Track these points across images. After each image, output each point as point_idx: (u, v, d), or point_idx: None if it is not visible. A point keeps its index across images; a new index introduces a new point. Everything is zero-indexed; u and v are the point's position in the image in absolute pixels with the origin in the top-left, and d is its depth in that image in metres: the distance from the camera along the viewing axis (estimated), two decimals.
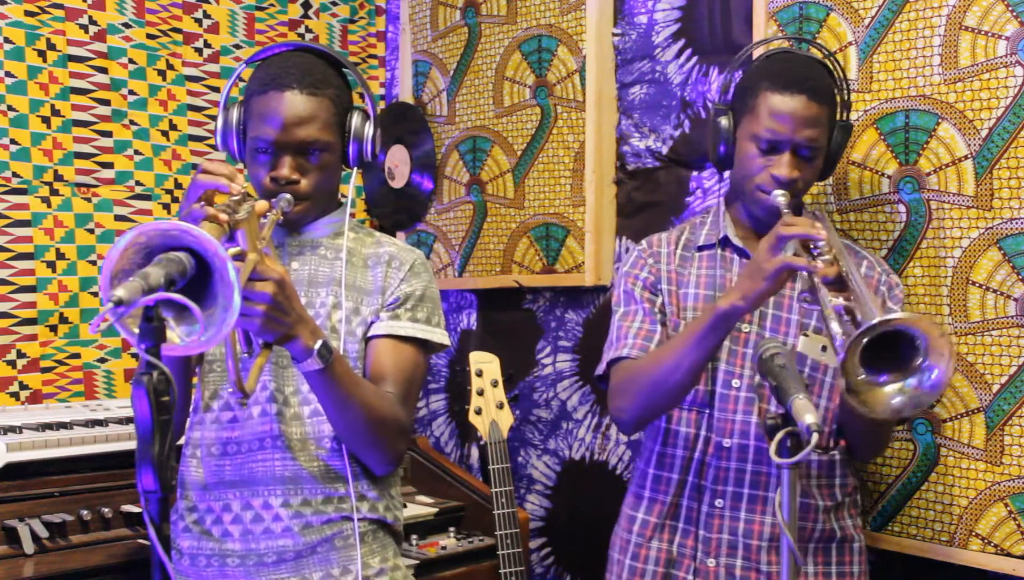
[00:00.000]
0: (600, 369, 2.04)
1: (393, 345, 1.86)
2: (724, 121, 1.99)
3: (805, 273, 1.69)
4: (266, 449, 1.80)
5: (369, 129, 1.87)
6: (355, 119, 1.87)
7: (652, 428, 2.06)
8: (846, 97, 2.06)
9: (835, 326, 1.57)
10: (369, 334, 1.86)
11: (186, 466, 1.86)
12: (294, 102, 1.78)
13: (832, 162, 2.03)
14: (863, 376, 1.48)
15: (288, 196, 1.78)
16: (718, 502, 1.96)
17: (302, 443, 1.81)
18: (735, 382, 1.96)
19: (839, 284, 1.66)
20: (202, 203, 1.51)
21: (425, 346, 1.91)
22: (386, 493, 1.89)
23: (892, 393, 1.49)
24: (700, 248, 2.06)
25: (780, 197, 1.88)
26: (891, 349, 1.49)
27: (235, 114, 1.85)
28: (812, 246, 1.72)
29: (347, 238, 1.89)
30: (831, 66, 2.05)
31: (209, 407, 1.84)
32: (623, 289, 2.07)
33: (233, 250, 1.49)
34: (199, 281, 1.24)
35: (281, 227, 1.88)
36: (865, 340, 1.46)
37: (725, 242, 2.03)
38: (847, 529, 1.99)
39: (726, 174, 2.10)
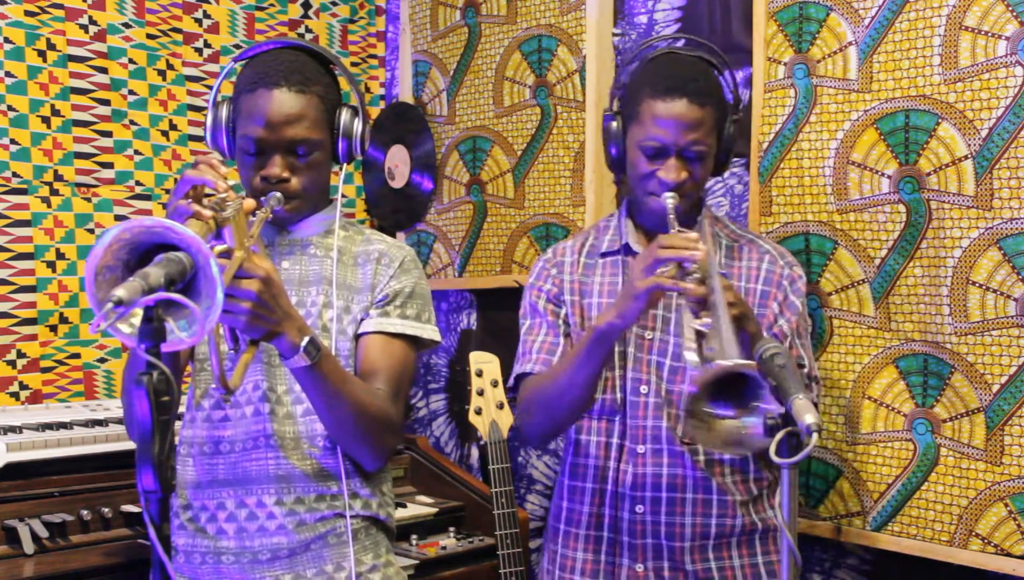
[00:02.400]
0: (510, 383, 2.07)
1: (383, 342, 1.86)
2: (614, 125, 2.00)
3: (675, 292, 1.74)
4: (259, 448, 1.80)
5: (358, 125, 1.87)
6: (344, 116, 1.86)
7: (566, 439, 2.09)
8: (733, 84, 2.05)
9: (690, 351, 1.66)
10: (359, 331, 1.86)
11: (179, 464, 1.86)
12: (283, 100, 1.78)
13: (725, 154, 2.01)
14: (707, 408, 1.52)
15: (278, 194, 1.77)
16: (639, 508, 1.96)
17: (295, 442, 1.81)
18: (643, 388, 1.97)
19: (704, 305, 1.70)
20: (189, 200, 1.50)
21: (416, 342, 1.91)
22: (378, 490, 1.90)
23: (729, 428, 1.51)
24: (603, 254, 2.06)
25: (669, 199, 1.89)
26: (736, 385, 1.51)
27: (224, 112, 1.85)
28: (683, 265, 1.75)
29: (337, 237, 1.88)
30: (714, 61, 2.04)
31: (200, 405, 1.84)
32: (528, 302, 2.09)
33: (219, 248, 1.49)
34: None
35: (271, 226, 1.88)
36: (712, 380, 1.50)
37: (627, 249, 2.03)
38: (768, 521, 2.00)
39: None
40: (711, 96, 1.93)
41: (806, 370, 1.96)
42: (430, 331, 1.92)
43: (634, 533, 1.97)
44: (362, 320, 1.87)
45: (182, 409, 1.93)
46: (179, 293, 1.17)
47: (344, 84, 1.97)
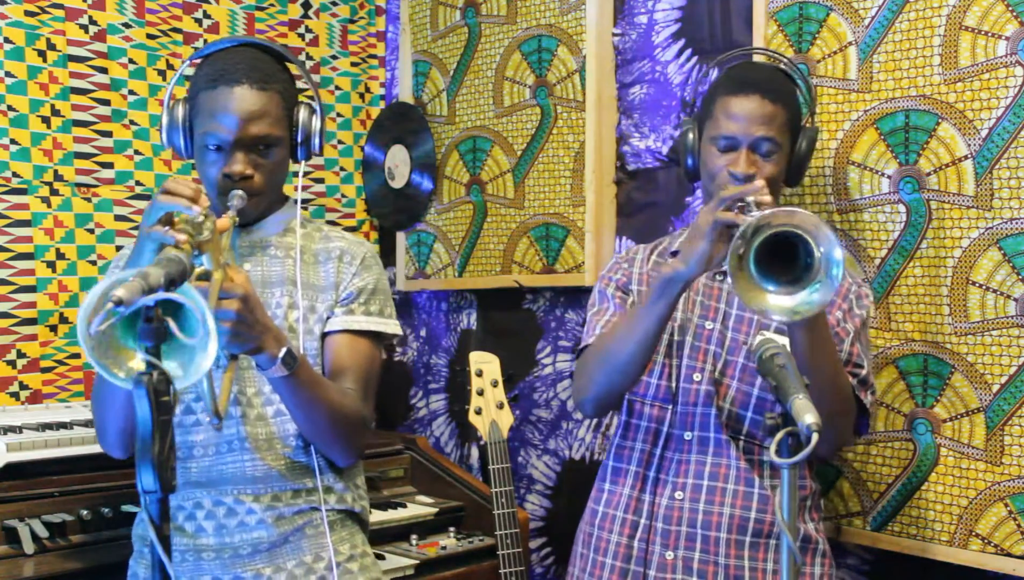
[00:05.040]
0: (574, 366, 2.07)
1: (350, 340, 1.89)
2: (690, 134, 2.06)
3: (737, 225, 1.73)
4: (234, 451, 1.82)
5: (316, 123, 1.88)
6: (302, 113, 1.87)
7: (617, 422, 2.10)
8: (811, 102, 2.12)
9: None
10: (325, 330, 1.89)
11: None
12: (245, 97, 1.78)
13: (799, 167, 2.05)
14: (753, 272, 1.57)
15: (241, 193, 1.78)
16: (678, 494, 1.98)
17: (268, 443, 1.83)
18: (696, 376, 1.99)
19: None
20: (167, 227, 1.49)
21: (380, 337, 1.94)
22: (351, 483, 1.93)
23: (770, 301, 1.58)
24: (673, 253, 2.09)
25: None
26: (786, 267, 1.57)
27: (181, 110, 1.84)
28: (746, 207, 1.76)
29: (299, 235, 1.90)
30: (793, 75, 2.12)
31: (183, 402, 1.85)
32: (597, 290, 2.14)
33: (199, 270, 1.51)
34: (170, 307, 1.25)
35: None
36: (766, 233, 1.55)
37: None
38: (808, 531, 1.99)
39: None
40: (784, 95, 1.98)
41: (863, 373, 1.95)
42: (393, 326, 1.96)
43: (669, 519, 1.98)
44: (328, 318, 1.89)
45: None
46: (169, 330, 1.20)
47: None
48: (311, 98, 1.95)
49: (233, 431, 1.82)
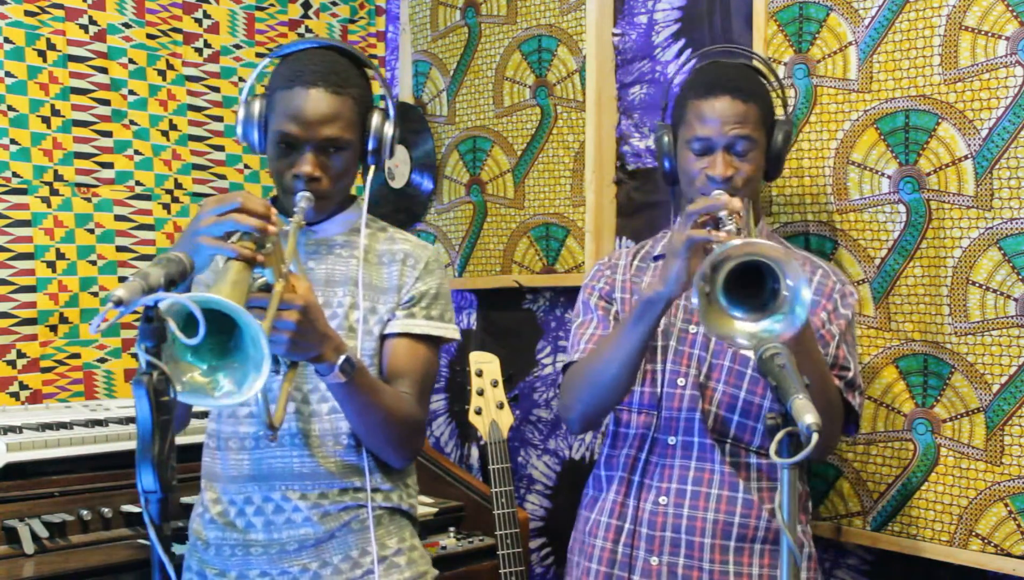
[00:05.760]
0: (559, 380, 2.07)
1: (409, 344, 1.90)
2: (665, 137, 2.05)
3: (711, 242, 1.73)
4: (284, 446, 1.84)
5: (388, 129, 1.90)
6: (375, 119, 1.89)
7: (605, 432, 2.10)
8: (782, 95, 2.11)
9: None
10: (385, 332, 1.90)
11: (209, 458, 1.91)
12: (319, 99, 1.80)
13: (777, 160, 2.04)
14: (722, 302, 1.54)
15: (309, 195, 1.81)
16: (662, 499, 1.98)
17: (320, 439, 1.85)
18: (680, 381, 1.98)
19: None
20: (230, 240, 1.53)
21: (438, 341, 1.96)
22: (400, 483, 1.94)
23: (739, 329, 1.54)
24: (656, 258, 2.09)
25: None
26: (756, 290, 1.54)
27: (257, 107, 1.87)
28: (719, 219, 1.76)
29: (363, 237, 1.92)
30: (763, 69, 2.11)
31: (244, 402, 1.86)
32: (581, 301, 2.13)
33: (260, 281, 1.55)
34: (226, 322, 1.29)
35: None
36: (729, 265, 1.52)
37: None
38: (796, 534, 1.99)
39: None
40: (754, 93, 1.98)
41: (850, 375, 1.95)
42: (452, 331, 1.97)
43: (654, 525, 1.97)
44: (388, 321, 1.90)
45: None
46: (227, 350, 1.26)
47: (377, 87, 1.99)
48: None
49: (285, 426, 1.83)
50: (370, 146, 1.88)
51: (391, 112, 1.91)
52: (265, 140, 1.87)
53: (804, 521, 2.03)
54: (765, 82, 2.08)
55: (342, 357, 1.69)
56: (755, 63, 2.16)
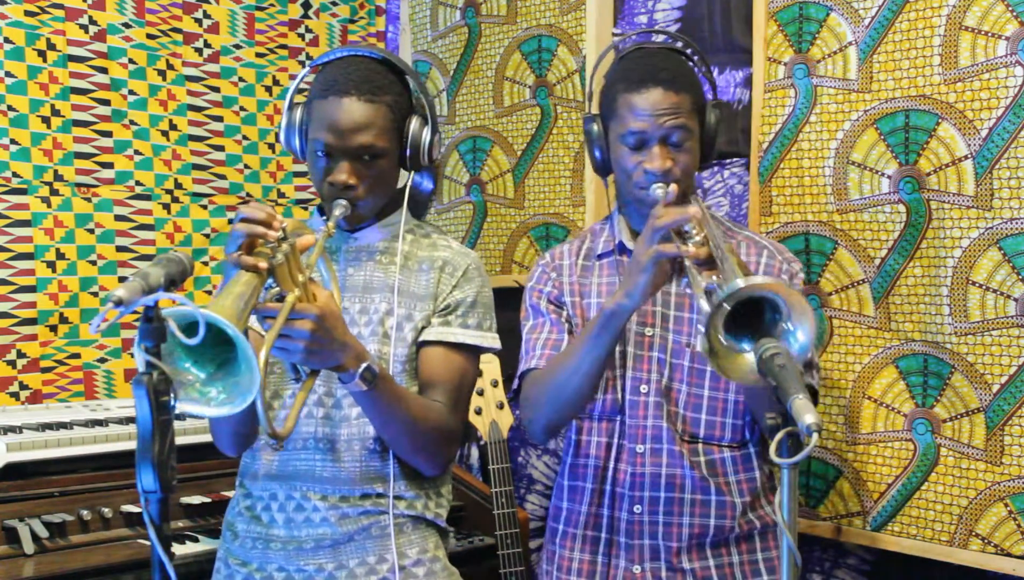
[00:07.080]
0: (515, 385, 2.05)
1: (444, 353, 1.90)
2: (595, 127, 2.01)
3: (679, 258, 1.72)
4: (308, 449, 1.85)
5: (427, 135, 1.92)
6: (413, 124, 1.90)
7: (566, 441, 2.08)
8: (709, 76, 2.05)
9: (703, 304, 1.60)
10: (420, 339, 1.90)
11: (249, 457, 1.93)
12: (352, 108, 1.82)
13: (710, 144, 1.99)
14: (725, 342, 1.50)
15: (344, 203, 1.82)
16: (636, 508, 1.96)
17: (347, 444, 1.85)
18: (643, 387, 1.96)
19: (710, 264, 1.68)
20: (240, 252, 1.54)
21: (476, 350, 1.95)
22: (429, 492, 1.93)
23: (752, 362, 1.49)
24: (600, 256, 2.06)
25: (658, 190, 1.88)
26: (756, 318, 1.51)
27: (298, 115, 1.90)
28: (684, 231, 1.74)
29: (402, 242, 1.93)
30: (686, 52, 2.04)
31: (269, 405, 1.88)
32: (529, 304, 2.08)
33: (273, 291, 1.56)
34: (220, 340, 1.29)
35: (337, 231, 1.92)
36: (727, 306, 1.47)
37: (622, 248, 2.03)
38: (767, 518, 1.99)
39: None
40: (685, 82, 1.93)
41: (808, 355, 1.94)
42: (490, 339, 1.96)
43: (631, 534, 1.97)
44: (423, 328, 1.90)
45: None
46: (220, 365, 1.27)
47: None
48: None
49: (312, 430, 1.85)
50: (408, 152, 1.90)
51: (430, 117, 1.92)
52: (306, 147, 1.90)
53: (772, 500, 2.00)
54: (693, 67, 2.01)
55: (363, 365, 1.69)
56: (680, 47, 2.08)
